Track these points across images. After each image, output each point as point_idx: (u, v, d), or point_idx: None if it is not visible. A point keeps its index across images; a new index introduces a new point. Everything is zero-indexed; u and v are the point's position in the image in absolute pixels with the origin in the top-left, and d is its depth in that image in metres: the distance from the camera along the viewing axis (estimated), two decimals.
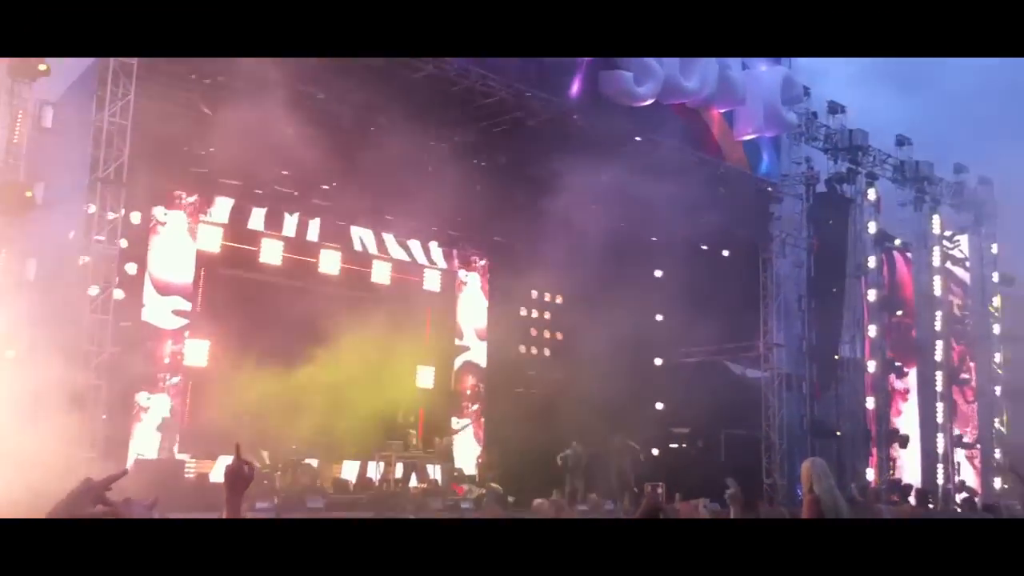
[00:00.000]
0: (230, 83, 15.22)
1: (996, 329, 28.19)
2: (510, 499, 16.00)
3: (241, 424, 16.27)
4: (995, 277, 28.21)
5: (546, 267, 20.05)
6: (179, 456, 16.87)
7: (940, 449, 25.58)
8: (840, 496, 6.48)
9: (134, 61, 13.61)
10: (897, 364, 25.10)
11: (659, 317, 22.97)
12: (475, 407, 22.56)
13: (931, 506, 18.46)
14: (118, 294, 14.03)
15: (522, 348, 23.31)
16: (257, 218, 19.13)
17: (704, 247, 22.22)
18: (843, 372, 23.41)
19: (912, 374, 25.83)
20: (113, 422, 14.05)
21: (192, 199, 18.09)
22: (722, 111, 19.85)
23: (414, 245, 21.88)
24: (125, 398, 15.86)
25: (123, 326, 14.54)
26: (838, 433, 22.79)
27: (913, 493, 20.28)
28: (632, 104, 17.64)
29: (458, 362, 22.62)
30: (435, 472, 19.17)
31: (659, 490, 16.94)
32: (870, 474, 23.06)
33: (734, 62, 18.98)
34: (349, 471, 18.94)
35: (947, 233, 27.46)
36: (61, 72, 13.65)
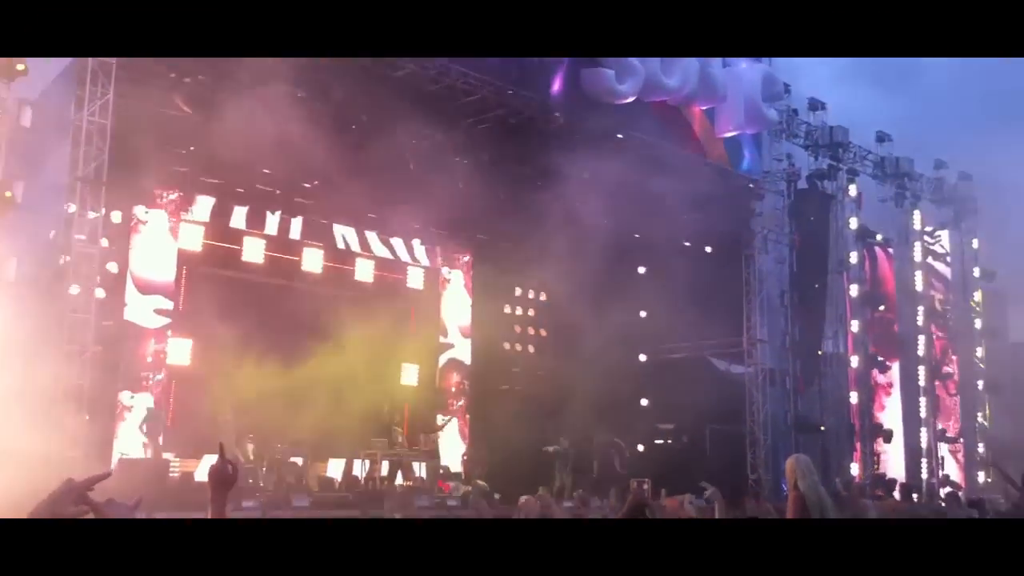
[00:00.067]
0: (210, 82, 15.16)
1: (978, 324, 28.36)
2: (496, 496, 16.00)
3: (225, 423, 16.28)
4: (976, 272, 28.40)
5: (530, 264, 20.11)
6: (163, 455, 16.81)
7: (924, 443, 25.70)
8: (824, 492, 6.51)
9: (113, 60, 13.53)
10: (880, 359, 25.22)
11: (643, 314, 23.02)
12: (460, 404, 22.56)
13: (916, 499, 18.53)
14: (100, 293, 13.97)
15: (506, 345, 23.34)
16: (239, 217, 19.07)
17: (687, 244, 22.27)
18: (826, 367, 23.49)
19: (895, 368, 25.96)
20: (96, 422, 13.95)
21: (173, 197, 18.01)
22: (703, 108, 19.90)
23: (397, 243, 21.86)
24: (108, 398, 15.80)
25: (105, 325, 14.47)
26: (822, 428, 22.88)
27: (898, 488, 20.44)
28: (614, 101, 17.66)
29: (443, 359, 22.62)
30: (421, 470, 19.15)
31: (645, 486, 17.06)
32: (854, 469, 23.15)
33: (715, 60, 19.00)
34: (335, 469, 18.91)
35: (928, 229, 27.60)
36: (39, 71, 13.54)
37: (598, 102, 17.63)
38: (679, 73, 18.33)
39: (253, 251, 19.33)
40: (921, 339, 26.33)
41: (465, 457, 21.17)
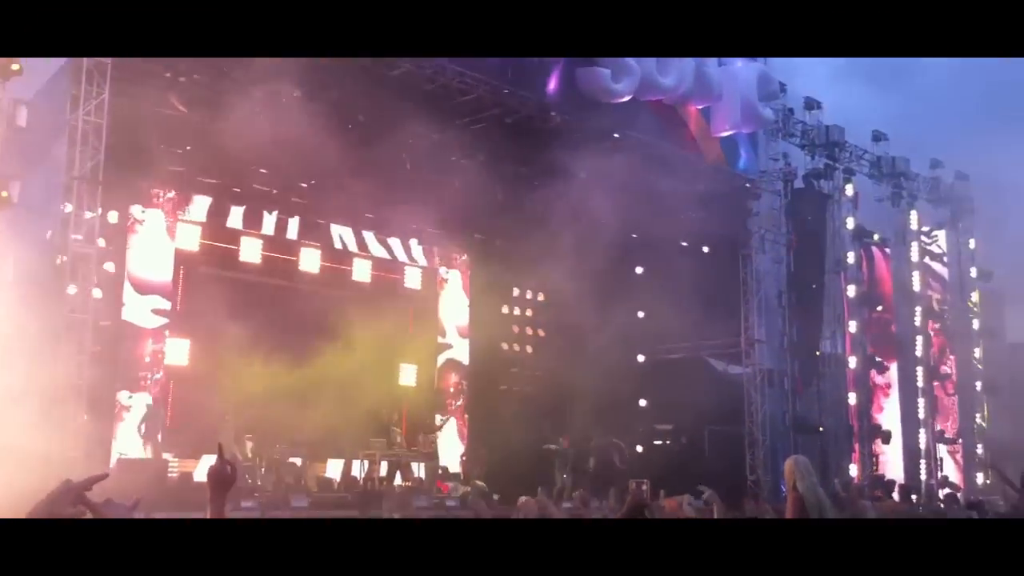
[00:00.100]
0: (206, 81, 15.15)
1: (975, 324, 28.35)
2: (495, 496, 15.99)
3: (224, 422, 16.26)
4: (973, 272, 28.37)
5: (528, 264, 20.09)
6: (162, 455, 16.79)
7: (922, 444, 25.65)
8: (823, 493, 6.49)
9: (108, 60, 13.52)
10: (878, 359, 25.18)
11: (640, 314, 22.99)
12: (459, 404, 22.55)
13: (914, 501, 18.55)
14: (97, 293, 13.96)
15: (504, 345, 23.31)
16: (236, 216, 19.02)
17: (684, 243, 22.26)
18: (824, 368, 23.48)
19: (893, 369, 25.92)
20: (95, 422, 13.95)
21: (170, 197, 17.98)
22: (699, 107, 19.91)
23: (394, 243, 21.82)
24: (107, 398, 15.78)
25: (103, 325, 14.47)
26: (820, 429, 22.87)
27: (896, 489, 20.42)
28: (609, 101, 17.68)
29: (441, 360, 22.58)
30: (420, 470, 19.14)
31: (644, 487, 17.04)
32: (853, 470, 23.13)
33: (710, 59, 19.03)
34: (333, 470, 18.88)
35: (925, 228, 27.56)
36: (35, 71, 13.53)
37: (594, 101, 17.65)
38: (675, 72, 18.35)
39: (250, 251, 19.28)
40: (919, 339, 26.30)
41: (464, 457, 21.13)
